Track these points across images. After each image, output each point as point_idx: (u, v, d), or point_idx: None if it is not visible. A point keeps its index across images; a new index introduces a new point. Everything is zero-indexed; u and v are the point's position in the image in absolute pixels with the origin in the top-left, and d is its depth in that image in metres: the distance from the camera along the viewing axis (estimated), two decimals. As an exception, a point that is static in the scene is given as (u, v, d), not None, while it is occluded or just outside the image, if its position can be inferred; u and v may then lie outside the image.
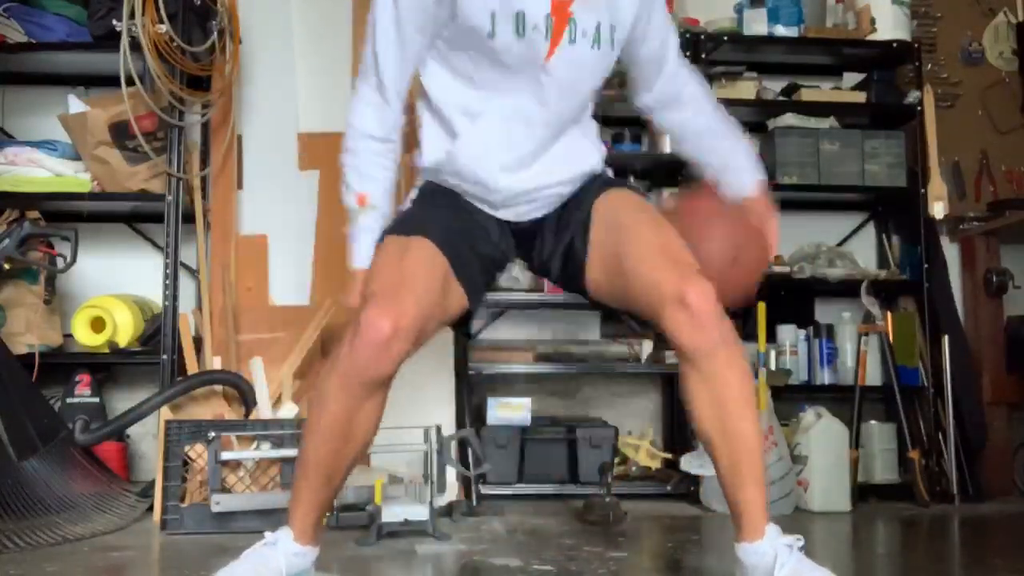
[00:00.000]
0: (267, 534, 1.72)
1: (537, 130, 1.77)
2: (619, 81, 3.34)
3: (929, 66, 3.67)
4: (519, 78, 1.71)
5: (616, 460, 3.09)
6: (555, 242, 1.84)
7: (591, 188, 1.84)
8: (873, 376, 3.38)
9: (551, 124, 1.77)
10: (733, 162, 1.96)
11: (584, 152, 1.86)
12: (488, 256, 1.83)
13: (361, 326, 1.58)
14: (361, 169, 1.78)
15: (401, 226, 1.78)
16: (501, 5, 1.63)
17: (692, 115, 1.96)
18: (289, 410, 2.66)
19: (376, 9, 1.72)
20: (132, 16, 2.77)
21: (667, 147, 3.34)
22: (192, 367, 2.90)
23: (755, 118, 3.51)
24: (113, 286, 3.14)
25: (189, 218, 3.10)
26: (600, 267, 1.77)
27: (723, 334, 1.64)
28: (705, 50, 3.32)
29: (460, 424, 3.00)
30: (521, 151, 1.77)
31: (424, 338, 1.68)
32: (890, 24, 3.41)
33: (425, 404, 2.97)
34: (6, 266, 2.77)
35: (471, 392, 3.10)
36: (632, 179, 3.42)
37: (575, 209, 1.82)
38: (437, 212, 1.81)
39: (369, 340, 1.58)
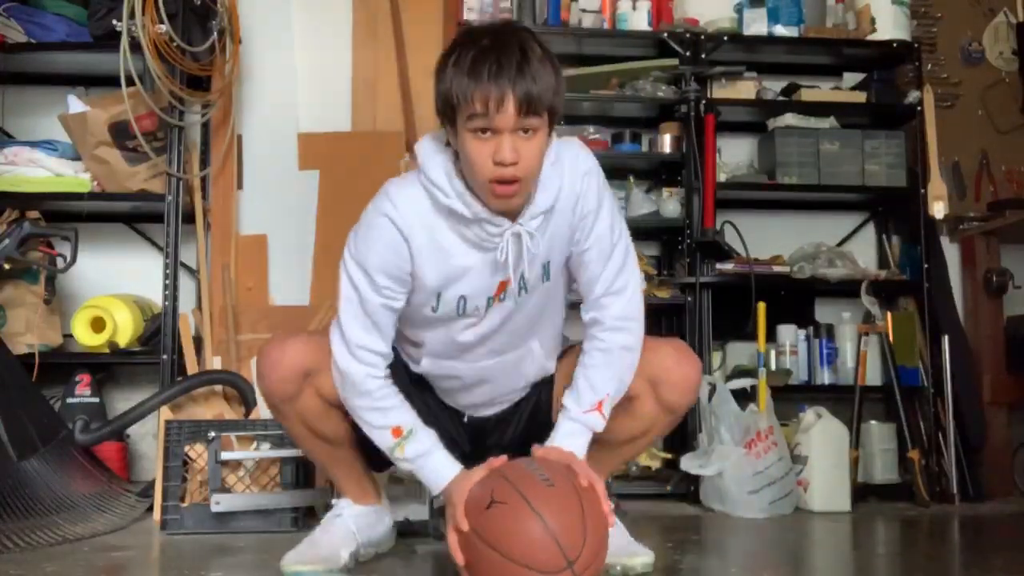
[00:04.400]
0: (333, 501, 1.96)
1: (478, 359, 1.82)
2: (619, 82, 3.36)
3: (929, 66, 3.67)
4: (454, 331, 1.78)
5: (616, 460, 3.08)
6: (515, 433, 1.93)
7: (544, 387, 1.93)
8: (873, 376, 3.38)
9: (493, 352, 1.82)
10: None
11: (536, 364, 1.87)
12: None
13: None
14: (381, 405, 1.74)
15: None
16: (445, 288, 1.70)
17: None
18: (289, 410, 2.66)
19: (352, 278, 1.73)
20: (132, 16, 2.77)
21: (667, 147, 3.35)
22: (192, 367, 2.90)
23: (755, 118, 3.52)
24: (113, 286, 3.14)
25: (189, 218, 3.10)
26: None
27: None
28: (705, 50, 3.31)
29: (460, 424, 3.00)
30: (464, 379, 1.86)
31: None
32: (890, 24, 3.41)
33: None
34: (6, 266, 2.77)
35: (471, 392, 3.10)
36: (632, 179, 3.43)
37: (534, 414, 1.93)
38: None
39: None
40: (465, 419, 1.97)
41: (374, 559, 2.10)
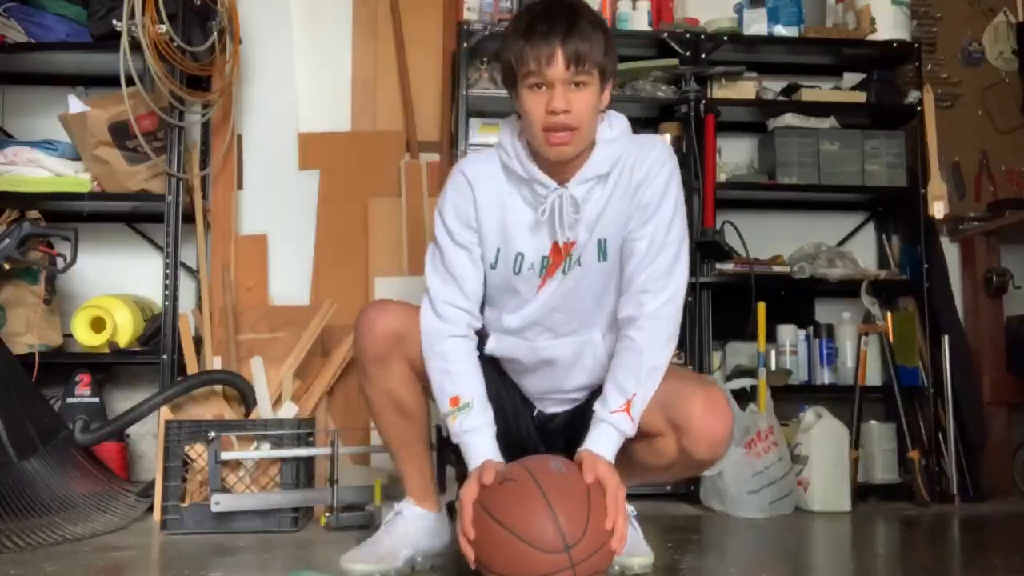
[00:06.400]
0: (394, 504, 1.96)
1: (537, 336, 1.87)
2: (619, 81, 3.36)
3: (929, 66, 3.67)
4: (513, 302, 1.86)
5: (616, 460, 3.08)
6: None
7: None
8: (873, 376, 3.38)
9: (551, 331, 1.86)
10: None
11: (597, 360, 1.88)
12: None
13: None
14: (452, 370, 1.78)
15: None
16: (504, 244, 1.82)
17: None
18: (289, 410, 2.66)
19: (436, 237, 1.86)
20: (132, 16, 2.77)
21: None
22: (192, 367, 2.90)
23: (755, 118, 3.52)
24: (113, 286, 3.15)
25: (189, 218, 3.10)
26: None
27: None
28: (705, 50, 3.31)
29: (460, 424, 3.00)
30: (525, 360, 1.90)
31: None
32: (890, 24, 3.41)
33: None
34: (6, 266, 2.77)
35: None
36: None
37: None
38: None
39: None
40: (535, 413, 1.99)
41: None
